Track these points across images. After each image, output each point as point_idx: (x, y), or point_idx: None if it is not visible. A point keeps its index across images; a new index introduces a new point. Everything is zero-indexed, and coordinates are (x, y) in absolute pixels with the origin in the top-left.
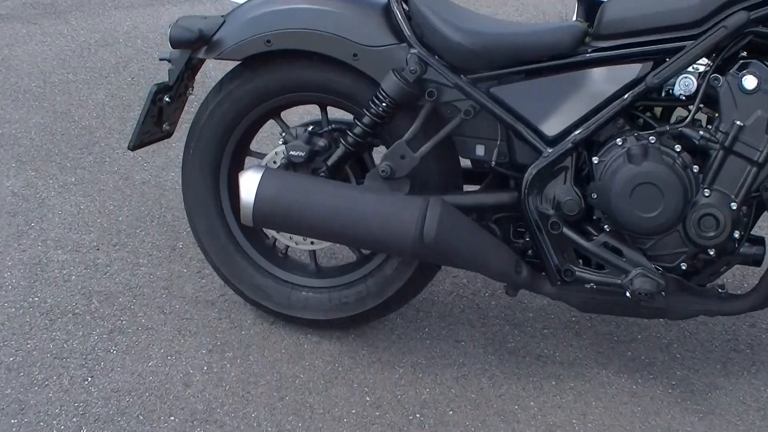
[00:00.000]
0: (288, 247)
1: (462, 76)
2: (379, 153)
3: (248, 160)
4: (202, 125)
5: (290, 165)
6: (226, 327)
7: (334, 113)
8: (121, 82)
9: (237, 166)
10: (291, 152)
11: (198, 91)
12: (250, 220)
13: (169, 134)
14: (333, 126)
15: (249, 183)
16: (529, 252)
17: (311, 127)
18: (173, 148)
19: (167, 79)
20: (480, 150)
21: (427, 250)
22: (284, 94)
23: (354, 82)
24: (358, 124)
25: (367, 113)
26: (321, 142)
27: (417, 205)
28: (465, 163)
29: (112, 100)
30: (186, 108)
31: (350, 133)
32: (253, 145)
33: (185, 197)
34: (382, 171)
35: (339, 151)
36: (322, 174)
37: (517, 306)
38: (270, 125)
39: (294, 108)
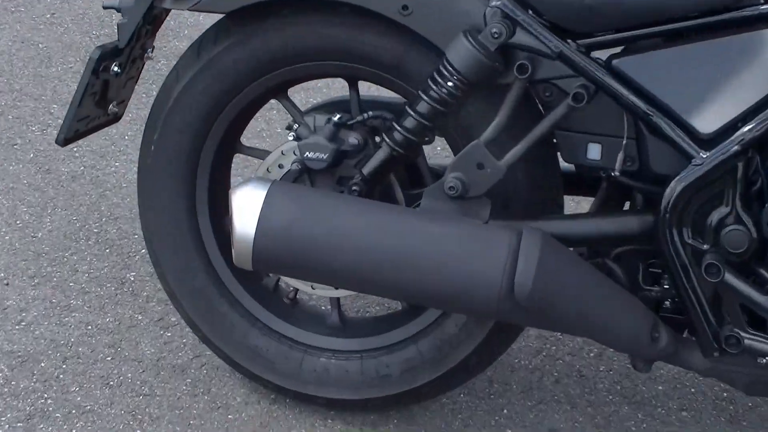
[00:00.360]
0: (297, 290)
1: (570, 41)
2: (436, 150)
3: (237, 164)
4: (169, 110)
5: (305, 173)
6: (204, 408)
7: (368, 89)
8: (36, 21)
9: (221, 171)
10: (307, 154)
11: (161, 55)
12: (248, 263)
13: (116, 118)
14: (370, 113)
15: (246, 205)
16: (666, 303)
17: (337, 116)
18: (116, 125)
19: (115, 38)
20: (594, 152)
21: (520, 310)
22: (294, 63)
23: (404, 49)
24: (411, 113)
25: (424, 97)
26: (352, 139)
27: (503, 241)
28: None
29: (23, 47)
30: (141, 79)
31: (398, 127)
32: (246, 139)
33: (144, 217)
34: (450, 188)
35: (380, 154)
36: (354, 188)
37: (638, 374)
38: (269, 109)
39: (303, 83)
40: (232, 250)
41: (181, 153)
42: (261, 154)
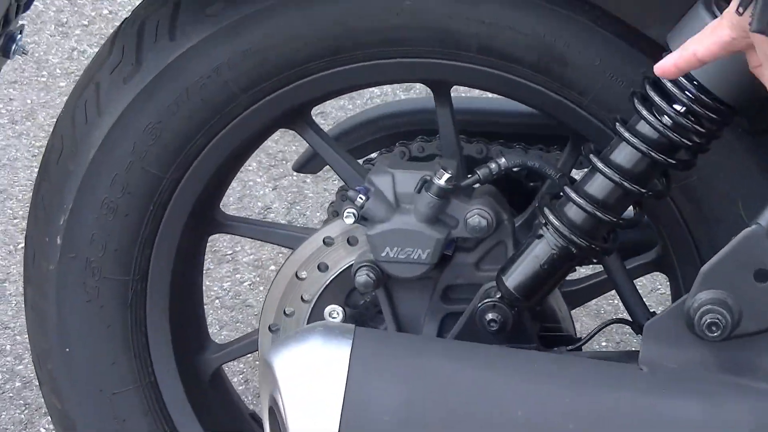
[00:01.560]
0: None
1: None
2: None
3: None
4: (88, 169)
5: (378, 284)
6: None
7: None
8: None
9: (190, 274)
10: (387, 251)
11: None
12: None
13: None
14: (502, 162)
15: (309, 387)
16: None
17: (444, 174)
18: None
19: None
20: None
21: None
22: (351, 61)
23: (557, 31)
24: (598, 165)
25: (625, 134)
26: (475, 217)
27: None
28: None
29: None
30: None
31: (574, 196)
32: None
33: (45, 370)
34: (712, 325)
35: (540, 249)
36: (491, 318)
37: None
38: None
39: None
40: None
41: (115, 249)
42: (277, 235)
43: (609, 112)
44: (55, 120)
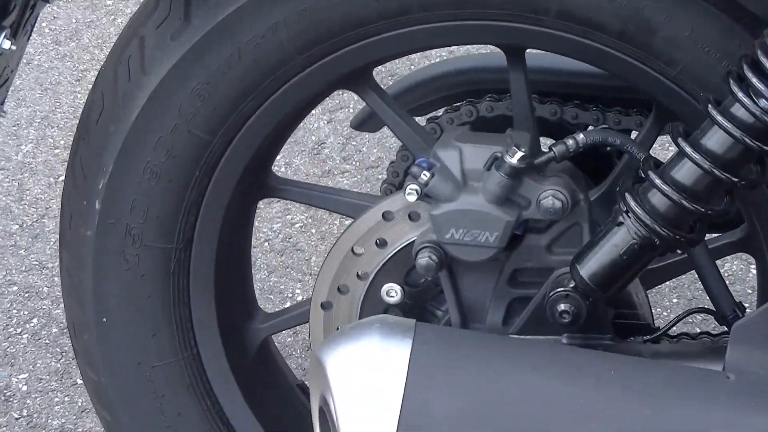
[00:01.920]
0: None
1: None
2: None
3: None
4: (131, 130)
5: (439, 265)
6: None
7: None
8: None
9: (238, 240)
10: (453, 233)
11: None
12: None
13: None
14: (580, 138)
15: (362, 392)
16: None
17: (517, 151)
18: None
19: None
20: None
21: None
22: (419, 22)
23: None
24: (687, 150)
25: (719, 118)
26: (548, 198)
27: None
28: None
29: None
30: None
31: (659, 182)
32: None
33: (84, 351)
34: None
35: (619, 238)
36: (564, 310)
37: None
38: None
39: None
40: None
41: (158, 216)
42: (333, 201)
43: (699, 85)
44: (100, 41)
